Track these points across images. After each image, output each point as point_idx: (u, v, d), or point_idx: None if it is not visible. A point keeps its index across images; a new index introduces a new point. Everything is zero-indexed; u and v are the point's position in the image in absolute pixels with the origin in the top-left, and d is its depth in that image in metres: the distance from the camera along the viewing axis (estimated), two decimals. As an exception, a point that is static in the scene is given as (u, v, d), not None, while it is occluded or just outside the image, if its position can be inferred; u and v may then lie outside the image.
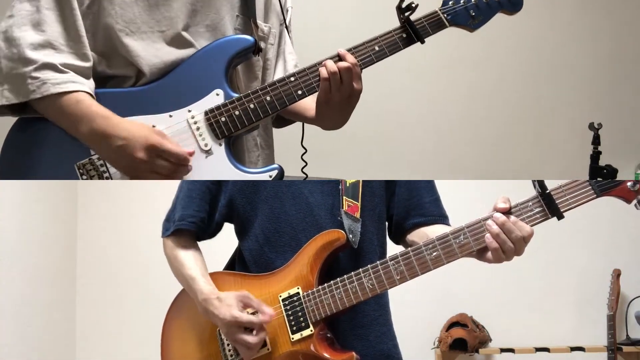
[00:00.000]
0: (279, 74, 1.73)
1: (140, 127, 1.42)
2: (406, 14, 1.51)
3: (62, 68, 1.42)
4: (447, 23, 1.55)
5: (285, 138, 1.87)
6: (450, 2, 1.55)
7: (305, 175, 1.81)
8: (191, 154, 1.46)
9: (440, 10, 1.55)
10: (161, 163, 1.41)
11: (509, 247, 1.24)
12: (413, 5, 1.51)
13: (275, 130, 1.82)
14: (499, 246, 1.25)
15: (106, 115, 1.42)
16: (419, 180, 1.49)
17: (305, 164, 1.82)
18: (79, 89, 1.42)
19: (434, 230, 1.40)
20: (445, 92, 3.42)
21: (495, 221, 1.25)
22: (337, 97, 1.50)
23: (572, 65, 3.43)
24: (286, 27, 1.77)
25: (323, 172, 2.74)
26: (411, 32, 1.53)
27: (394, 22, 1.55)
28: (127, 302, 3.15)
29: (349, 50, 1.52)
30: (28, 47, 1.41)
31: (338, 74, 1.47)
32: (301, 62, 1.79)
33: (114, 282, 3.18)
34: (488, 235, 1.25)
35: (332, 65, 1.48)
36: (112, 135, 1.40)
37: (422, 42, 1.54)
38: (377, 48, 1.52)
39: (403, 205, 1.47)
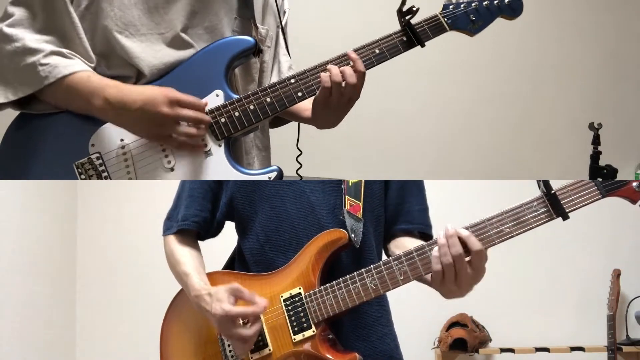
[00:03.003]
0: (274, 77, 1.74)
1: (152, 88, 1.43)
2: (407, 17, 1.52)
3: (69, 55, 1.44)
4: (447, 27, 1.55)
5: (281, 139, 1.87)
6: (451, 7, 1.55)
7: (299, 177, 1.81)
8: (206, 103, 1.46)
9: (440, 14, 1.55)
10: (186, 113, 1.41)
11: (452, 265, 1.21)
12: (414, 9, 1.51)
13: (271, 132, 1.82)
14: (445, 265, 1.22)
15: (117, 84, 1.42)
16: (410, 184, 1.48)
17: (300, 165, 1.82)
18: (88, 68, 1.44)
19: (416, 244, 1.39)
20: (445, 92, 3.42)
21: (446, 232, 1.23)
22: (336, 101, 1.50)
23: (572, 65, 3.43)
24: (282, 29, 1.77)
25: (321, 173, 2.74)
26: (412, 35, 1.53)
27: (395, 23, 1.55)
28: (127, 302, 3.15)
29: None
30: (31, 40, 1.41)
31: (342, 84, 1.46)
32: (299, 63, 1.79)
33: (114, 282, 3.18)
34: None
35: (336, 75, 1.46)
36: (129, 99, 1.39)
37: (423, 45, 1.54)
38: (377, 51, 1.52)
39: (392, 210, 1.47)
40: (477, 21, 1.55)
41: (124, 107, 1.39)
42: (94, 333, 3.17)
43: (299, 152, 1.82)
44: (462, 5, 1.55)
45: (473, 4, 1.55)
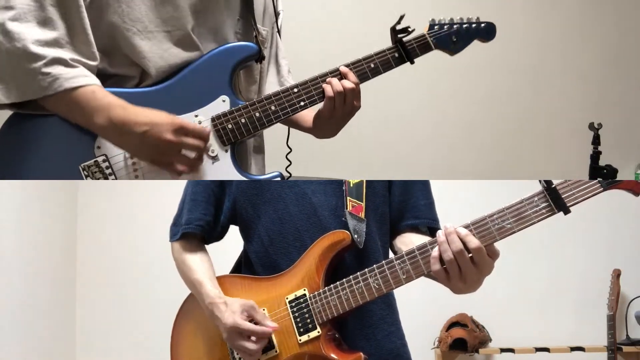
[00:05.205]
0: (271, 78, 1.77)
1: (158, 113, 1.41)
2: (399, 35, 1.59)
3: (72, 62, 1.39)
4: (433, 46, 1.62)
5: (274, 138, 1.87)
6: (436, 27, 1.63)
7: (289, 175, 1.83)
8: (209, 131, 1.48)
9: (427, 33, 1.62)
10: (190, 141, 1.41)
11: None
12: (409, 29, 1.59)
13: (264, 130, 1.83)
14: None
15: (122, 104, 1.39)
16: (415, 181, 1.49)
17: (289, 163, 1.84)
18: (92, 82, 1.40)
19: (425, 240, 1.39)
20: (445, 92, 3.42)
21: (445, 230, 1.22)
22: (339, 114, 1.56)
23: (573, 65, 3.44)
24: (278, 30, 1.78)
25: (321, 173, 2.75)
26: (403, 52, 1.60)
27: (386, 24, 1.60)
28: (127, 302, 3.15)
29: (347, 66, 1.56)
30: (33, 42, 1.35)
31: (343, 93, 1.52)
32: (294, 65, 1.83)
33: (114, 282, 3.18)
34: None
35: (337, 85, 1.52)
36: (134, 122, 1.37)
37: (412, 62, 1.61)
38: (372, 65, 1.58)
39: (397, 206, 1.47)
40: (457, 42, 1.64)
41: (128, 130, 1.37)
42: (94, 333, 3.16)
43: (289, 150, 1.84)
44: (446, 27, 1.63)
45: (455, 26, 1.64)
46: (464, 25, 1.64)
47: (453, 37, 1.63)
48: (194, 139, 1.42)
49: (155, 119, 1.39)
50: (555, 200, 1.21)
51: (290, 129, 1.86)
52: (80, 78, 1.38)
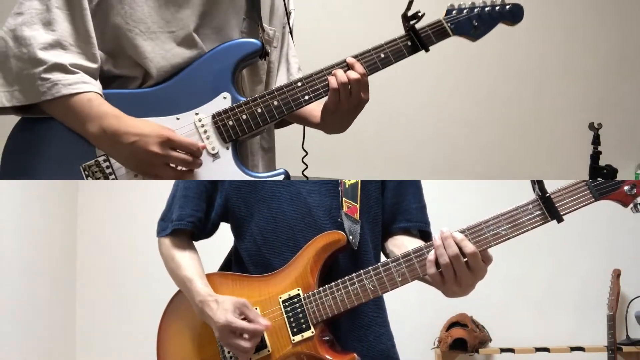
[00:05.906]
0: (281, 77, 1.74)
1: (150, 124, 1.42)
2: (411, 22, 1.53)
3: (72, 68, 1.41)
4: (450, 32, 1.56)
5: (286, 140, 1.87)
6: (454, 12, 1.56)
7: (305, 178, 1.81)
8: (203, 147, 1.47)
9: (444, 19, 1.56)
10: (176, 155, 1.41)
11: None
12: (419, 14, 1.52)
13: (276, 132, 1.82)
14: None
15: (116, 114, 1.41)
16: (407, 183, 1.49)
17: (306, 166, 1.82)
18: (90, 89, 1.42)
19: (416, 242, 1.40)
20: (445, 93, 3.42)
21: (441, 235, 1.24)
22: (345, 106, 1.52)
23: (572, 65, 3.43)
24: (290, 30, 1.77)
25: (325, 174, 2.74)
26: (416, 40, 1.54)
27: (396, 22, 1.56)
28: (127, 302, 3.15)
29: (355, 56, 1.52)
30: (39, 47, 1.39)
31: (348, 85, 1.49)
32: (303, 64, 1.80)
33: (114, 282, 3.18)
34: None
35: (342, 76, 1.49)
36: (124, 132, 1.39)
37: (427, 50, 1.55)
38: (382, 55, 1.53)
39: (390, 209, 1.47)
40: (479, 27, 1.56)
41: (117, 140, 1.40)
42: (94, 333, 3.17)
43: (305, 153, 1.82)
44: (465, 11, 1.56)
45: (475, 10, 1.56)
46: (487, 9, 1.56)
47: (474, 22, 1.55)
48: (180, 152, 1.42)
49: (145, 130, 1.40)
50: (549, 209, 1.24)
51: (306, 131, 1.84)
52: (78, 85, 1.41)
